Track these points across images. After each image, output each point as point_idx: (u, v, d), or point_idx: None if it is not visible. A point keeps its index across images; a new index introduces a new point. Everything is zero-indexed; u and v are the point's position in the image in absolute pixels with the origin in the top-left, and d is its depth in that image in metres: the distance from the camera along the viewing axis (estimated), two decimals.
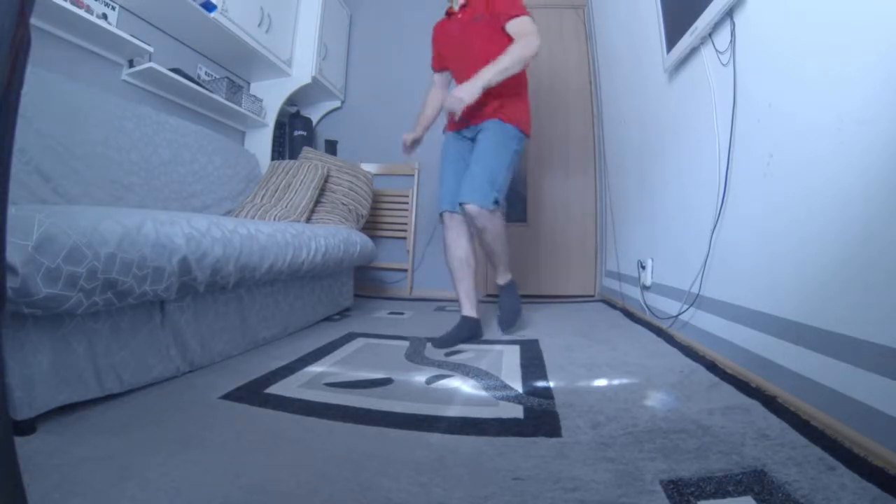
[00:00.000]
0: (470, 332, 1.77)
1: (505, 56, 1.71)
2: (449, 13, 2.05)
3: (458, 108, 1.69)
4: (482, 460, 0.79)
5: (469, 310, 1.81)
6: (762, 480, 0.69)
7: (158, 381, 1.13)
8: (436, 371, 1.32)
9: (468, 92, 1.67)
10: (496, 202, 1.76)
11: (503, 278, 1.97)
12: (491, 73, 1.69)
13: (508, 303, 1.94)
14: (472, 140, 1.93)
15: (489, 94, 1.78)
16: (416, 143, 2.15)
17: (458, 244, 1.86)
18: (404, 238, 3.21)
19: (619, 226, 2.60)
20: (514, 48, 1.73)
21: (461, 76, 1.94)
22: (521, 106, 1.93)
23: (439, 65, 2.16)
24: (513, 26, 1.79)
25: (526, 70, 1.87)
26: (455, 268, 1.86)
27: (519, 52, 1.72)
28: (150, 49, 1.95)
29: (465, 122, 1.90)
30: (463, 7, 1.94)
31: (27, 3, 0.40)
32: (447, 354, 1.52)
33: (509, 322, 1.91)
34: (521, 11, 1.81)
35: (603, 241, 2.99)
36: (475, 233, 1.84)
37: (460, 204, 1.76)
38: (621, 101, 2.59)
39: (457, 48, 1.99)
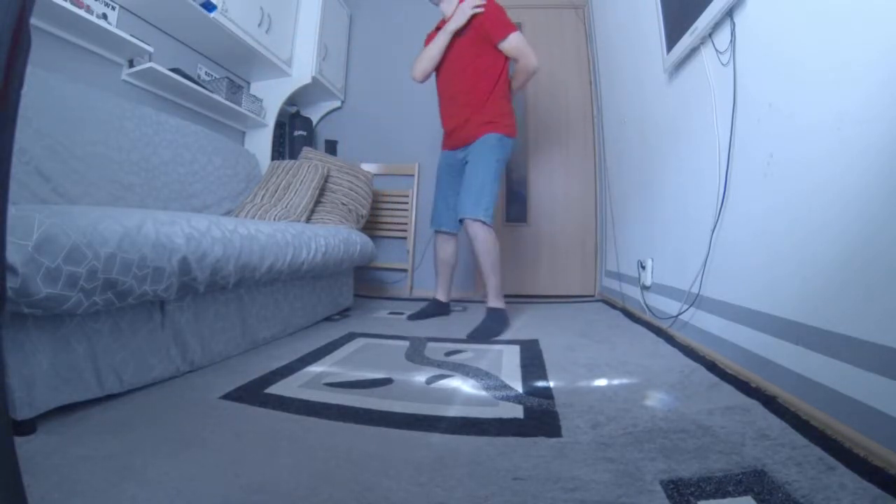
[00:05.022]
0: (437, 310, 2.27)
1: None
2: (439, 27, 2.15)
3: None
4: (482, 460, 0.79)
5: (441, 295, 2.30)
6: (762, 480, 0.69)
7: (158, 381, 1.13)
8: (436, 371, 1.32)
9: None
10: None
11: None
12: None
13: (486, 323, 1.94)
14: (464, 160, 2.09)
15: (476, 113, 2.01)
16: None
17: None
18: (404, 238, 3.21)
19: (619, 226, 2.60)
20: (528, 62, 2.00)
21: (446, 88, 2.12)
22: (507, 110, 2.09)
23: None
24: (508, 45, 1.96)
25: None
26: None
27: (526, 75, 2.04)
28: (150, 49, 1.95)
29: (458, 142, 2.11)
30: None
31: (27, 3, 0.40)
32: (447, 354, 1.52)
33: (476, 336, 1.83)
34: (511, 29, 1.95)
35: (603, 241, 3.00)
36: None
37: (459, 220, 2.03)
38: (621, 101, 2.59)
39: (444, 59, 2.09)
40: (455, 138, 2.11)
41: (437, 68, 2.11)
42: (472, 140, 2.03)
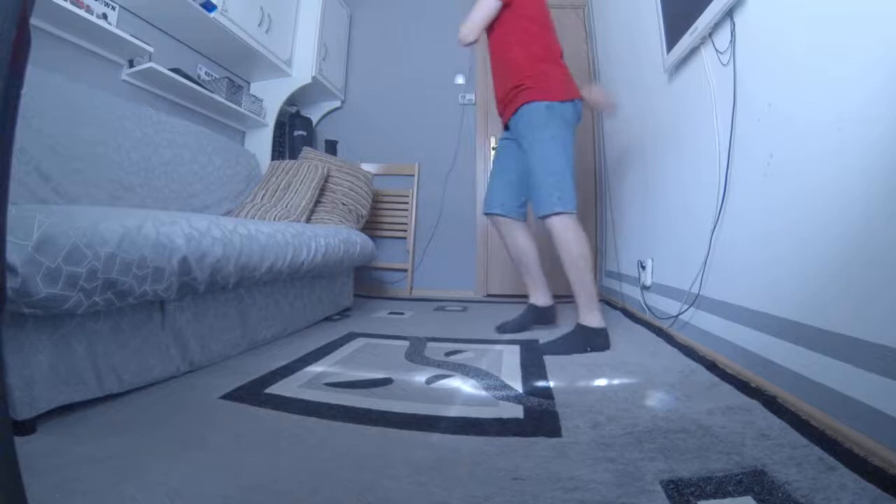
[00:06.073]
0: (536, 318, 1.90)
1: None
2: None
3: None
4: (482, 460, 0.79)
5: (533, 298, 1.93)
6: (762, 480, 0.69)
7: (158, 381, 1.13)
8: (436, 371, 1.32)
9: None
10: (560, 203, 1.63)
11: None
12: None
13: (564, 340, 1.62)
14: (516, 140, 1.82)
15: (508, 82, 1.77)
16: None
17: (511, 243, 1.92)
18: (404, 238, 3.21)
19: (619, 226, 2.60)
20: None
21: (492, 61, 1.89)
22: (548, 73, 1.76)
23: None
24: None
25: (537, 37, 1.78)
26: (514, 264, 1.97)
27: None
28: (150, 49, 1.95)
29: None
30: None
31: (28, 3, 0.40)
32: (447, 354, 1.52)
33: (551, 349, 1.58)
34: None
35: (603, 241, 2.99)
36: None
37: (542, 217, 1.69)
38: (621, 101, 2.59)
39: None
40: (502, 117, 1.90)
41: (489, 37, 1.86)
42: (511, 115, 1.79)
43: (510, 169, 1.88)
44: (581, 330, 1.61)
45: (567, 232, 1.62)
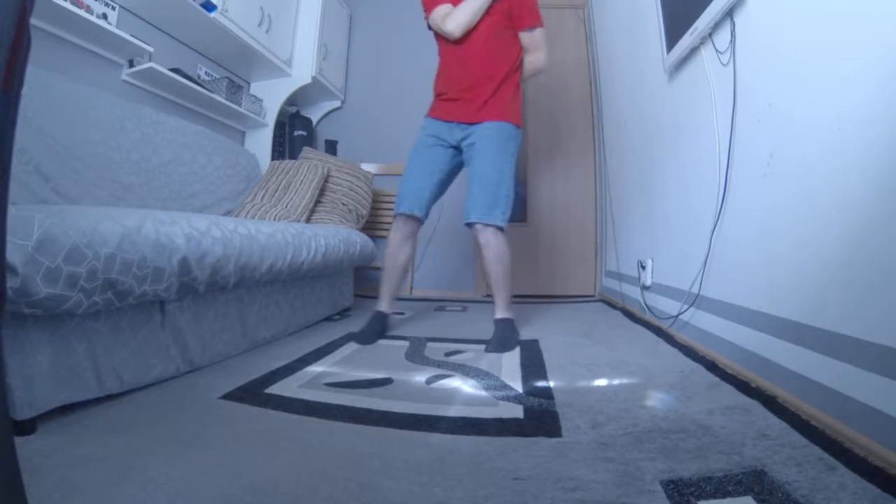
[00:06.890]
0: (383, 325, 1.85)
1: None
2: None
3: None
4: (482, 460, 0.79)
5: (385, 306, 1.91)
6: (762, 480, 0.69)
7: (158, 381, 1.13)
8: (436, 371, 1.32)
9: None
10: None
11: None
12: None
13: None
14: (458, 143, 1.82)
15: (489, 90, 1.76)
16: None
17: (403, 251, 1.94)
18: None
19: (619, 226, 2.60)
20: (542, 58, 1.86)
21: (461, 51, 1.81)
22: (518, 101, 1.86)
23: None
24: (532, 35, 1.83)
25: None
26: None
27: (544, 64, 1.88)
28: (150, 49, 1.95)
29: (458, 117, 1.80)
30: None
31: (27, 3, 0.40)
32: (447, 354, 1.52)
33: (494, 349, 1.61)
34: (541, 21, 1.85)
35: (603, 241, 3.00)
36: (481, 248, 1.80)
37: (468, 224, 1.77)
38: (621, 101, 2.59)
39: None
40: (457, 107, 1.82)
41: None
42: (481, 119, 1.75)
43: (439, 170, 1.85)
44: (509, 322, 1.77)
45: (504, 244, 1.78)
